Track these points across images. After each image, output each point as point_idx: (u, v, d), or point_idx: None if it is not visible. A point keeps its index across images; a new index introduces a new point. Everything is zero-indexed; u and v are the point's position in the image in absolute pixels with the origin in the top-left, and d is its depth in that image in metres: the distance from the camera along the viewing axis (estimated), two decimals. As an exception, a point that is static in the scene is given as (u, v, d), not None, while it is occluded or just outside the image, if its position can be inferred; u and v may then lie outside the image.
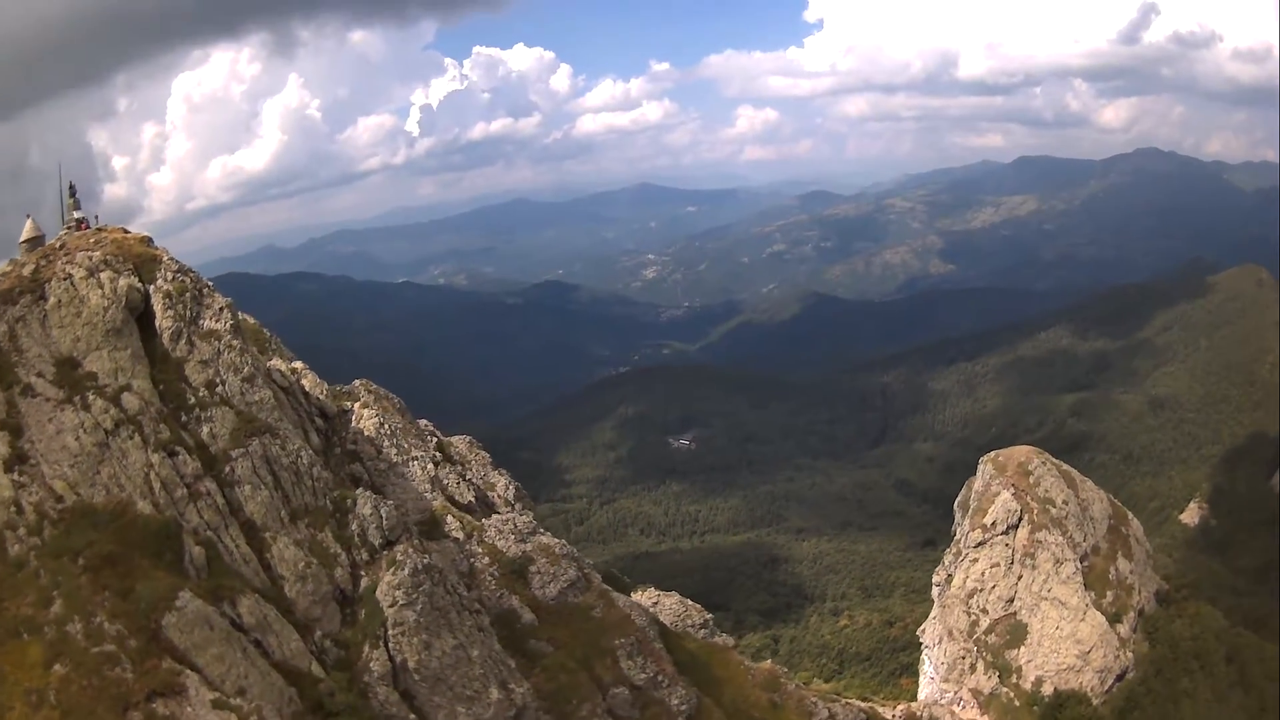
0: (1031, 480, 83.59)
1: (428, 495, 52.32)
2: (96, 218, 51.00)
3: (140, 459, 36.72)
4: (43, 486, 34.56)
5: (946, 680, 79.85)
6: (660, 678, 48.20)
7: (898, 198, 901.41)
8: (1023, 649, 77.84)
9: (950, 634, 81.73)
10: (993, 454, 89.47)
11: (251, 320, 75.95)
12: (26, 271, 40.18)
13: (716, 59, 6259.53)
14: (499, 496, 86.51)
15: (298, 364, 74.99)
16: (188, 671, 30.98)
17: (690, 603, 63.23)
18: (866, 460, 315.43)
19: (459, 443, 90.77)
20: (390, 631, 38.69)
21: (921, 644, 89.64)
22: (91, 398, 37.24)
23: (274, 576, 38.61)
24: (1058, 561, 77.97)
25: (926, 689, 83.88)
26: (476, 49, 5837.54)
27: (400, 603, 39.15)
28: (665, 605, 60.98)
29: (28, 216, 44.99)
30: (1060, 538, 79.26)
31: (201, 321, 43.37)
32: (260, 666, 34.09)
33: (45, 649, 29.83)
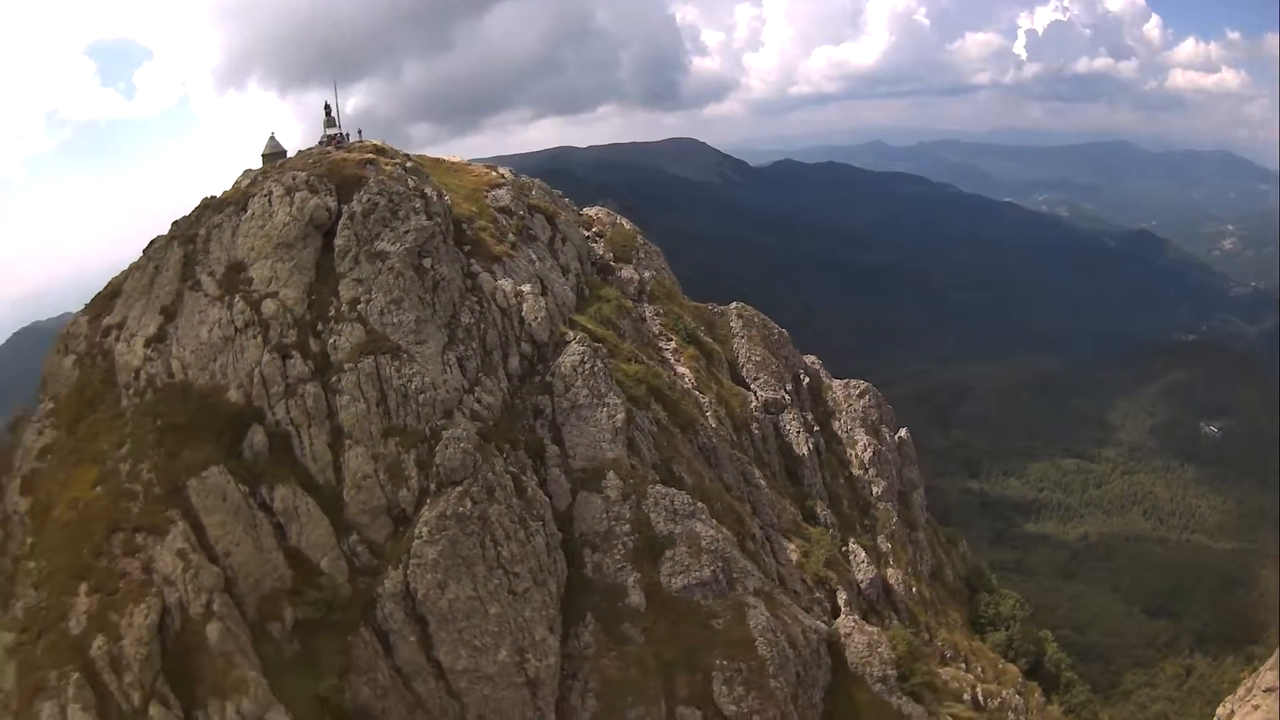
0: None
1: (604, 444, 49.61)
2: (359, 132, 57.75)
3: (255, 356, 42.57)
4: (165, 362, 43.95)
5: None
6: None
7: None
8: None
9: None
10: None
11: (626, 225, 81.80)
12: (244, 184, 49.24)
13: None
14: (855, 456, 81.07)
15: (646, 274, 75.80)
16: (179, 521, 36.82)
17: (880, 647, 53.36)
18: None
19: (838, 387, 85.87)
20: (411, 560, 40.35)
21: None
22: (237, 299, 44.69)
23: (341, 479, 41.76)
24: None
25: None
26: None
27: (424, 539, 40.57)
28: (855, 641, 52.58)
29: (271, 134, 54.13)
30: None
31: (377, 243, 46.04)
32: (263, 543, 38.42)
33: (99, 475, 39.98)
